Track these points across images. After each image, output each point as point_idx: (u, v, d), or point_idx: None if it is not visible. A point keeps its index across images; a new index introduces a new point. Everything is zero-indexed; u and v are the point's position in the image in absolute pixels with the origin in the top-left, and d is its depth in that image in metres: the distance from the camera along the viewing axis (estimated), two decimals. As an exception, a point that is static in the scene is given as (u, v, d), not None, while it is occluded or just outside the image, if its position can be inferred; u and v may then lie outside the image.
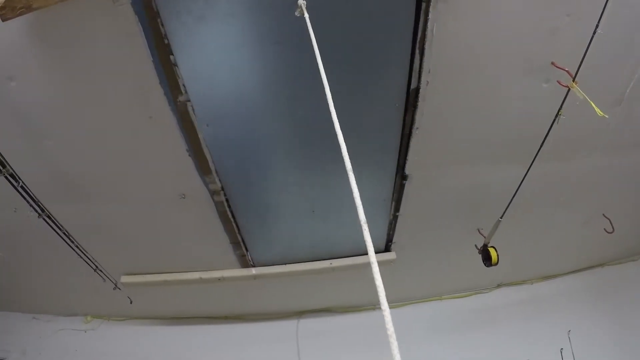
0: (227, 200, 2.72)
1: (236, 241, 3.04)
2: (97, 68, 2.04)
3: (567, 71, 2.08)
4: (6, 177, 2.14)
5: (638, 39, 2.19)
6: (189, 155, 2.41)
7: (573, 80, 2.05)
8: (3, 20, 1.76)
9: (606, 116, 2.00)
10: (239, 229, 2.97)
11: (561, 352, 3.48)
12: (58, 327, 4.00)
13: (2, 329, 3.98)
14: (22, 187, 2.21)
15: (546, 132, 2.21)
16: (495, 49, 2.13)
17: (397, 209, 2.94)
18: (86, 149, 2.37)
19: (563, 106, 2.13)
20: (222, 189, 2.64)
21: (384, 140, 2.51)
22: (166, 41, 1.97)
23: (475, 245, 2.97)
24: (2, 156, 2.13)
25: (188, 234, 2.99)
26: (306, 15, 1.67)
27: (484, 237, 2.88)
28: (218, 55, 2.06)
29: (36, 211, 2.33)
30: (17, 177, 2.18)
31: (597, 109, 1.99)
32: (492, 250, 2.83)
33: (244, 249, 3.13)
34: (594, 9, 1.91)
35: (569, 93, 2.08)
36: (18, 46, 1.95)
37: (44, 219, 2.37)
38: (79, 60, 2.02)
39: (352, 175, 1.14)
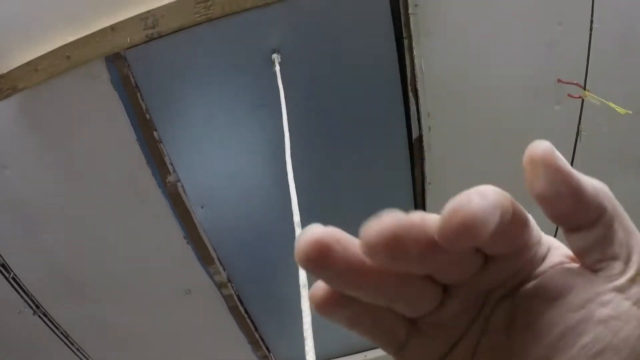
0: (236, 293, 2.52)
1: (254, 340, 2.79)
2: (85, 150, 2.03)
3: (576, 83, 1.95)
4: (-4, 268, 2.09)
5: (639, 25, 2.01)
6: (188, 243, 2.27)
7: (584, 89, 1.93)
8: (-8, 103, 1.79)
9: (630, 112, 1.84)
10: (255, 326, 2.73)
11: None
12: None
13: None
14: (13, 278, 2.14)
15: (571, 157, 2.03)
16: (495, 75, 2.00)
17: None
18: (83, 242, 2.29)
19: (581, 121, 2.01)
20: (229, 280, 2.46)
21: (396, 205, 2.28)
22: (148, 116, 1.94)
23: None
24: (-7, 246, 2.09)
25: (201, 337, 2.77)
26: (277, 69, 1.63)
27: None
28: (202, 127, 2.01)
29: (30, 307, 2.23)
30: (8, 268, 2.13)
31: (617, 108, 1.84)
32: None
33: (265, 349, 2.86)
34: (584, 7, 1.82)
35: (584, 105, 1.98)
36: (10, 131, 1.96)
37: (39, 316, 2.27)
38: (68, 142, 2.02)
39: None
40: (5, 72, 1.77)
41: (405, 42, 1.87)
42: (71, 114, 1.92)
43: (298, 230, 1.06)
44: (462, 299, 0.27)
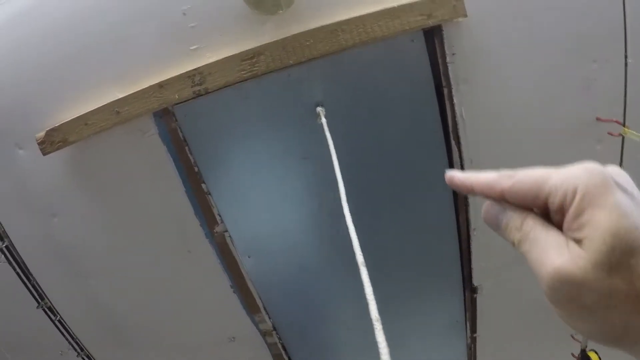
0: (280, 341, 2.48)
1: (298, 389, 2.73)
2: (134, 200, 2.04)
3: (615, 121, 1.90)
4: (44, 310, 2.15)
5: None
6: (234, 292, 2.25)
7: (623, 126, 1.89)
8: (44, 154, 1.85)
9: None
10: (299, 376, 2.67)
11: None
12: None
13: None
14: (59, 321, 2.19)
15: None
16: (534, 118, 1.94)
17: (473, 329, 2.52)
18: (128, 289, 2.30)
19: (623, 159, 1.97)
20: (274, 328, 2.42)
21: (441, 252, 2.26)
22: (196, 169, 1.94)
23: (572, 354, 2.46)
24: (42, 289, 2.14)
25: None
26: (323, 121, 1.62)
27: (580, 342, 2.39)
28: (248, 179, 1.99)
29: (75, 349, 2.26)
30: (55, 310, 2.17)
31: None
32: (592, 355, 2.33)
33: (308, 398, 2.80)
34: (616, 42, 1.77)
35: (625, 142, 1.95)
36: (60, 182, 2.00)
37: (82, 358, 2.29)
38: (117, 193, 2.03)
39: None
40: (57, 125, 1.81)
41: (445, 90, 1.82)
42: (120, 166, 1.94)
43: (363, 270, 1.01)
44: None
